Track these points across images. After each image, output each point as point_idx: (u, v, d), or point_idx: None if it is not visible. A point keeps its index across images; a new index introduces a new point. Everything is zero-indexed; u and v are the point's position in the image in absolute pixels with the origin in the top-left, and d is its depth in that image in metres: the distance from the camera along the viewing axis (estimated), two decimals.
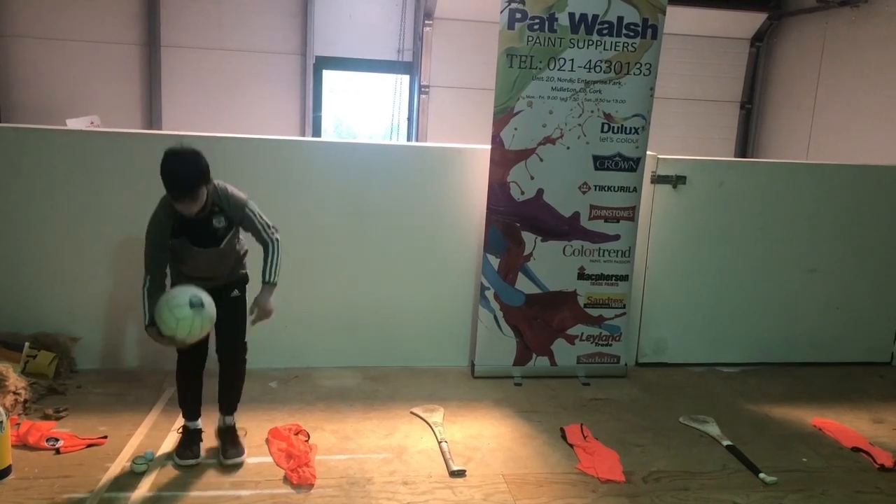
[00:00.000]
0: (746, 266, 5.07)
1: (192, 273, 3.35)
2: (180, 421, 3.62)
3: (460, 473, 3.54)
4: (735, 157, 9.29)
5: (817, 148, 8.19)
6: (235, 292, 3.43)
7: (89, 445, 3.59)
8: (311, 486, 3.36)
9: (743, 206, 4.98)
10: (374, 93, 9.14)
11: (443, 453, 3.72)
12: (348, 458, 3.63)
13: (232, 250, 3.38)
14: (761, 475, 3.65)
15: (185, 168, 3.09)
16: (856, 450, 3.99)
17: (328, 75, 8.76)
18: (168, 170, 3.09)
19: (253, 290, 3.47)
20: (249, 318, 3.41)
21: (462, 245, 4.76)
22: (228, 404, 3.58)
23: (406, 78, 8.78)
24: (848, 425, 4.29)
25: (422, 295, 4.78)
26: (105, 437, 3.67)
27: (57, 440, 3.57)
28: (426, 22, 8.31)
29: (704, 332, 5.12)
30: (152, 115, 8.35)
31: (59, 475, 3.33)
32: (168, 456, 3.52)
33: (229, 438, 3.54)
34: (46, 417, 3.84)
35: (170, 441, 3.66)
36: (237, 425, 3.62)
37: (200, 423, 3.57)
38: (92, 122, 7.03)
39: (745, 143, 9.33)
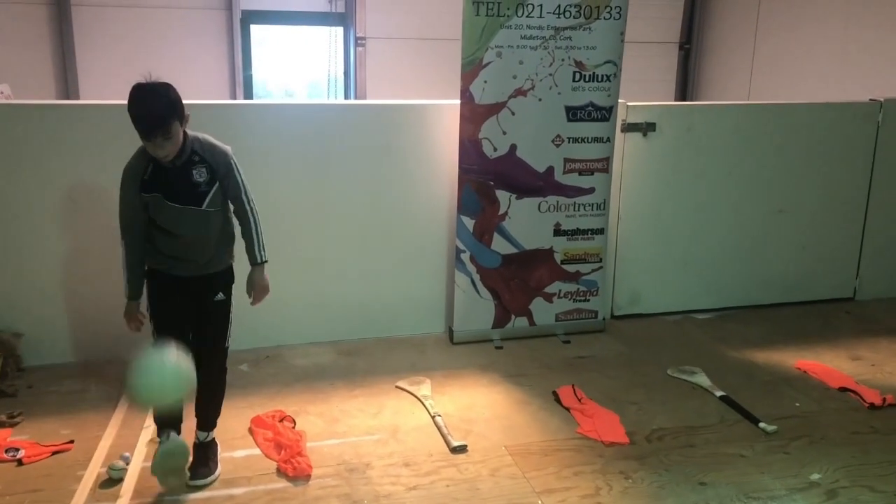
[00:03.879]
0: (716, 211, 5.01)
1: (168, 248, 2.96)
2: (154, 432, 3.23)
3: (462, 449, 3.38)
4: (675, 98, 9.27)
5: (758, 87, 8.21)
6: (220, 296, 3.05)
7: (55, 453, 3.27)
8: (308, 476, 3.14)
9: (711, 150, 4.90)
10: (306, 47, 8.67)
11: (439, 429, 3.54)
12: (341, 443, 3.42)
13: (217, 220, 2.98)
14: (761, 424, 3.61)
15: (154, 99, 2.73)
16: (843, 390, 4.01)
17: (256, 30, 8.25)
18: (136, 103, 2.74)
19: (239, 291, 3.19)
20: (247, 301, 3.16)
21: (432, 207, 4.53)
22: (204, 419, 3.17)
23: (340, 30, 8.36)
24: (829, 365, 4.32)
25: (392, 262, 4.55)
26: (71, 441, 3.34)
27: (17, 450, 3.24)
28: None
29: (677, 280, 5.07)
30: (68, 81, 7.71)
31: (27, 489, 3.01)
32: (147, 458, 3.23)
33: (201, 456, 3.11)
34: (0, 425, 3.49)
35: (144, 440, 3.37)
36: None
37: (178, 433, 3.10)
38: (2, 93, 6.41)
39: (685, 85, 9.30)
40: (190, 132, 2.92)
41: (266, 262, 3.11)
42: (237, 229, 3.11)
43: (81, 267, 4.11)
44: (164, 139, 2.76)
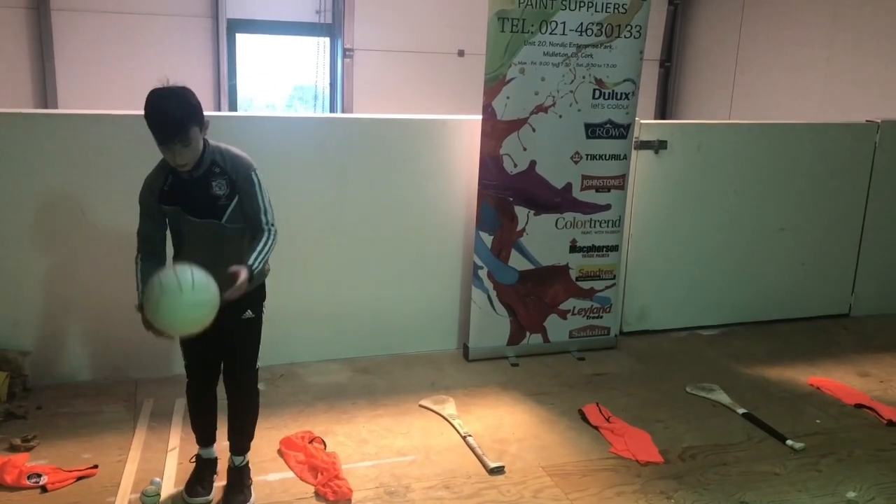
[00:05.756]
0: (722, 228, 5.08)
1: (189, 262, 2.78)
2: (194, 447, 3.12)
3: (499, 470, 3.33)
4: (655, 115, 9.39)
5: (739, 107, 8.36)
6: (248, 313, 2.90)
7: (79, 478, 3.13)
8: (349, 500, 3.06)
9: (719, 168, 4.96)
10: (292, 58, 8.56)
11: (472, 449, 3.49)
12: (375, 465, 3.35)
13: (237, 236, 2.82)
14: (789, 442, 3.65)
15: (172, 103, 2.58)
16: (859, 406, 4.08)
17: (242, 40, 8.11)
18: (152, 107, 2.59)
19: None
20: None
21: (448, 223, 4.49)
22: (237, 443, 3.04)
23: (327, 41, 8.26)
24: (840, 381, 4.39)
25: (406, 278, 4.49)
26: (95, 466, 3.20)
27: (40, 476, 3.08)
28: None
29: (683, 296, 5.11)
30: (46, 88, 7.46)
31: None
32: (177, 483, 3.12)
33: (235, 482, 3.01)
34: (14, 449, 3.32)
35: (172, 463, 3.25)
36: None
37: (215, 450, 3.09)
38: None
39: (665, 101, 9.44)
40: (212, 142, 2.78)
41: (252, 269, 2.71)
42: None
43: (87, 283, 3.96)
44: (183, 146, 2.60)
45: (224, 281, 2.70)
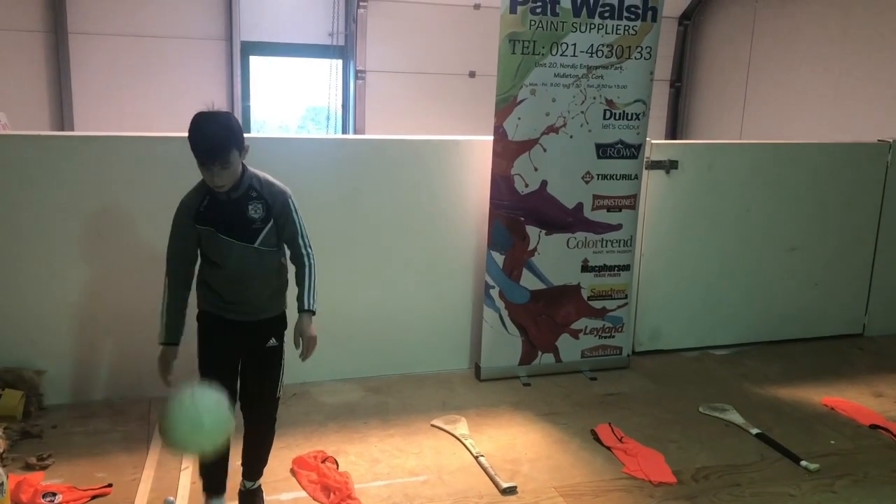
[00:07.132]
0: (734, 248, 5.07)
1: (220, 287, 2.85)
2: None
3: (512, 490, 3.32)
4: (666, 135, 9.42)
5: (750, 127, 8.38)
6: (272, 342, 2.92)
7: (94, 497, 3.15)
8: None
9: (730, 188, 4.97)
10: (304, 80, 8.65)
11: (485, 469, 3.49)
12: (387, 485, 3.35)
13: (269, 260, 2.87)
14: (803, 463, 3.62)
15: (214, 126, 2.65)
16: (874, 427, 4.05)
17: (255, 62, 8.21)
18: (195, 129, 2.66)
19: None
20: (296, 353, 2.92)
21: (460, 243, 4.51)
22: (251, 469, 3.04)
23: (340, 63, 8.35)
24: (854, 401, 4.36)
25: (418, 298, 4.51)
26: (109, 485, 3.22)
27: (55, 495, 3.10)
28: (360, 3, 7.91)
29: (695, 316, 5.10)
30: (63, 110, 7.57)
31: None
32: (191, 502, 3.13)
33: None
34: (30, 468, 3.34)
35: (185, 481, 3.26)
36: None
37: (225, 499, 3.01)
38: (4, 125, 6.25)
39: (676, 121, 9.47)
40: (250, 168, 2.84)
41: (313, 312, 2.90)
42: (291, 276, 3.00)
43: (104, 302, 4.00)
44: (222, 167, 2.66)
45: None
